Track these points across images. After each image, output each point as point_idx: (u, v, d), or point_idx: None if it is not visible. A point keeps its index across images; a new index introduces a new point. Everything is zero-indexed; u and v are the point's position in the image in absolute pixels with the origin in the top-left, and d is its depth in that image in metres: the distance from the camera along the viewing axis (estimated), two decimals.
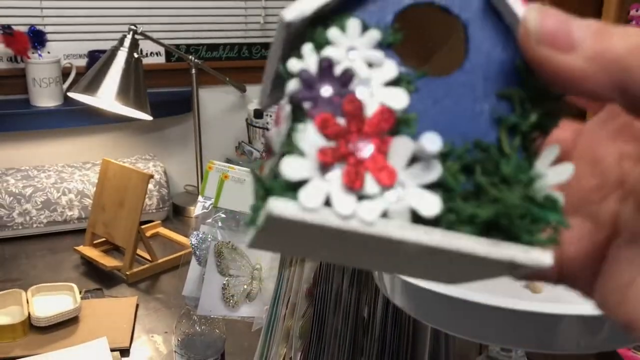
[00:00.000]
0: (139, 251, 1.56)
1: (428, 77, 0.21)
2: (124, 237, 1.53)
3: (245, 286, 0.81)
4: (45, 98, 1.76)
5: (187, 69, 1.82)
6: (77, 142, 1.90)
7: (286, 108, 0.20)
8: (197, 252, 0.81)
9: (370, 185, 0.19)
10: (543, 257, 0.19)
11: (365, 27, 0.20)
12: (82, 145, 1.91)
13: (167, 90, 2.00)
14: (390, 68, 0.20)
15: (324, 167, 0.18)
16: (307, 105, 0.19)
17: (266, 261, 0.81)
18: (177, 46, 1.97)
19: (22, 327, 1.22)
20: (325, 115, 0.19)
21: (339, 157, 0.19)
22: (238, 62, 2.07)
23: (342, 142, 0.19)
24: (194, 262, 0.83)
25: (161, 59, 1.98)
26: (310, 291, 0.72)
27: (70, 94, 1.60)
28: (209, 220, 0.82)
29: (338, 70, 0.20)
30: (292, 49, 0.21)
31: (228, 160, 1.13)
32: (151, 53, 1.95)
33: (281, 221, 0.18)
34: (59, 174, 1.77)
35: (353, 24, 0.20)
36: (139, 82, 1.61)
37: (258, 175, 0.21)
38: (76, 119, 1.81)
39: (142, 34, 1.63)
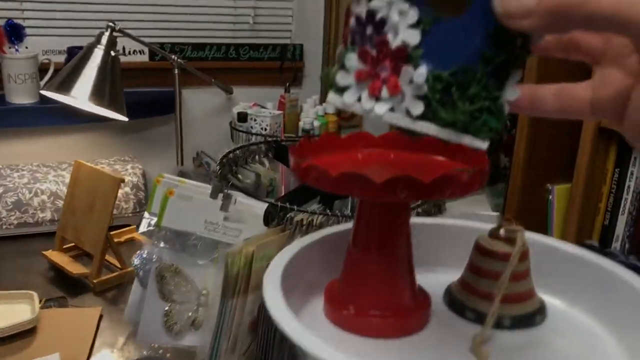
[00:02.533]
0: (109, 258, 1.50)
1: (441, 19, 0.30)
2: (93, 243, 1.46)
3: (190, 313, 0.74)
4: (20, 95, 1.70)
5: (171, 68, 1.75)
6: (53, 141, 1.84)
7: (348, 36, 0.31)
8: (141, 274, 0.75)
9: (384, 93, 0.30)
10: (482, 145, 0.31)
11: None
12: (59, 144, 1.85)
13: (151, 90, 1.93)
14: (413, 15, 0.29)
15: (359, 81, 0.30)
16: (356, 37, 0.30)
17: (214, 286, 0.74)
18: (162, 45, 1.90)
19: None
20: (363, 49, 0.30)
21: (367, 76, 0.30)
22: (225, 63, 2.00)
23: (371, 66, 0.30)
24: (136, 284, 0.76)
25: (145, 58, 1.91)
26: (253, 325, 0.66)
27: (43, 92, 1.53)
28: (155, 240, 0.76)
29: (377, 17, 0.29)
30: None
31: (181, 173, 1.06)
32: (134, 51, 1.88)
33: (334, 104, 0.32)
34: (33, 174, 1.71)
35: None
36: (115, 81, 1.55)
37: (329, 73, 0.33)
38: (53, 117, 1.74)
39: (120, 31, 1.56)
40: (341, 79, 0.32)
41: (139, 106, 1.85)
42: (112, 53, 1.54)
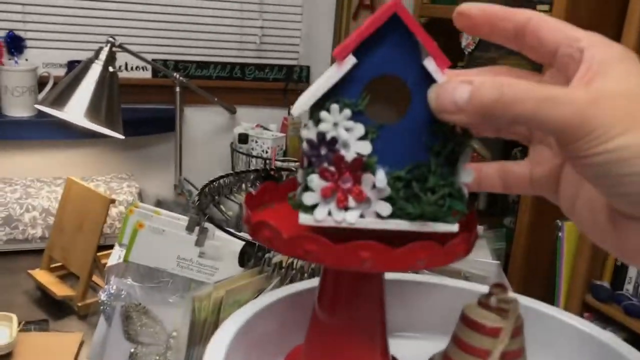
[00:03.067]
0: (97, 280, 1.44)
1: (385, 125, 0.34)
2: (80, 264, 1.41)
3: (157, 357, 0.68)
4: (18, 107, 1.66)
5: (173, 86, 1.71)
6: (49, 156, 1.80)
7: (304, 159, 0.34)
8: (107, 311, 0.69)
9: (351, 202, 0.33)
10: (453, 228, 0.34)
11: (343, 106, 0.33)
12: (55, 159, 1.81)
13: (152, 107, 1.89)
14: (359, 129, 0.33)
15: (325, 197, 0.33)
16: (313, 159, 0.34)
17: (186, 329, 0.68)
18: (166, 62, 1.87)
19: None
20: (323, 168, 0.33)
21: (332, 190, 0.33)
22: (229, 82, 1.96)
23: (333, 182, 0.33)
24: (102, 321, 0.70)
25: (147, 74, 1.87)
26: None
27: (38, 106, 1.49)
28: (124, 274, 0.70)
29: (328, 137, 0.33)
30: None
31: (158, 203, 1.01)
32: (137, 67, 1.85)
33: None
34: (26, 189, 1.66)
35: (334, 107, 0.33)
36: (112, 97, 1.50)
37: (293, 199, 0.35)
38: (50, 131, 1.70)
39: (120, 46, 1.52)
40: (308, 199, 0.33)
41: (139, 123, 1.81)
42: (111, 69, 1.50)
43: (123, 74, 1.80)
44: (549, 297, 1.74)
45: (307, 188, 0.33)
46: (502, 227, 1.90)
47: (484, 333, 0.38)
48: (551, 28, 0.32)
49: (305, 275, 0.65)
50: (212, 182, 0.79)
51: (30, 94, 1.67)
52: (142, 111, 1.86)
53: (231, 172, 0.85)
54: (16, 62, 1.65)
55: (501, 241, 0.81)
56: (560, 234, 1.71)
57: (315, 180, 0.33)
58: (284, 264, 0.66)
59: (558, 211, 0.36)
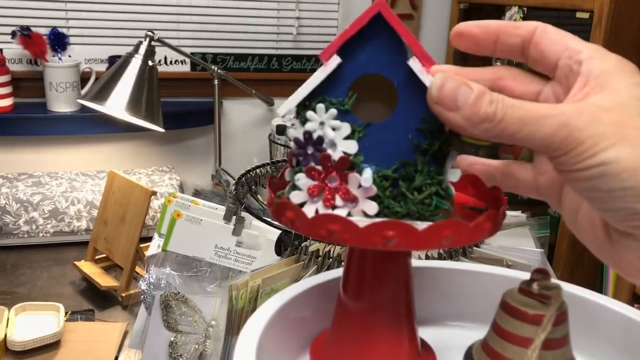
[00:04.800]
0: (140, 271, 1.47)
1: (372, 123, 0.34)
2: (123, 255, 1.44)
3: (197, 345, 0.69)
4: (62, 103, 1.70)
5: (212, 79, 1.72)
6: (93, 150, 1.84)
7: (292, 159, 0.35)
8: (147, 300, 0.70)
9: (338, 201, 0.33)
10: None
11: (329, 105, 0.34)
12: (98, 153, 1.85)
13: (192, 100, 1.91)
14: (346, 128, 0.33)
15: (312, 195, 0.33)
16: (300, 158, 0.34)
17: (224, 318, 0.68)
18: (204, 55, 1.88)
19: None
20: (309, 167, 0.34)
21: (319, 189, 0.33)
22: (266, 74, 1.96)
23: (320, 181, 0.33)
24: (142, 309, 0.71)
25: (186, 68, 1.89)
26: None
27: (80, 101, 1.53)
28: (163, 264, 0.70)
29: (315, 136, 0.33)
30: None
31: (196, 193, 1.01)
32: (176, 61, 1.87)
33: None
34: (71, 182, 1.70)
35: (320, 107, 0.34)
36: (152, 91, 1.52)
37: (280, 198, 0.35)
38: (93, 126, 1.74)
39: (159, 40, 1.54)
40: (295, 197, 0.34)
41: (179, 116, 1.83)
42: (150, 63, 1.52)
43: (162, 68, 1.82)
44: (597, 289, 1.69)
45: (294, 187, 0.34)
46: (546, 215, 1.86)
47: (526, 320, 0.37)
48: (552, 40, 0.32)
49: (343, 263, 0.64)
50: (248, 171, 0.79)
51: (74, 89, 1.70)
52: (181, 104, 1.88)
53: (267, 162, 0.84)
54: (60, 58, 1.69)
55: (545, 229, 0.79)
56: None
57: (302, 179, 0.33)
58: (320, 253, 0.65)
59: None
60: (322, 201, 0.33)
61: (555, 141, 0.28)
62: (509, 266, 0.65)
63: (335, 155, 0.33)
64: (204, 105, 1.87)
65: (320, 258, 0.64)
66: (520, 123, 0.28)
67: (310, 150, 0.33)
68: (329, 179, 0.33)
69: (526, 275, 0.39)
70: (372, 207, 0.33)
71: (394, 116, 0.33)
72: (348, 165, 0.33)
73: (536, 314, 0.36)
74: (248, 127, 2.01)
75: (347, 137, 0.33)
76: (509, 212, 0.84)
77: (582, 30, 1.63)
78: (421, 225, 0.32)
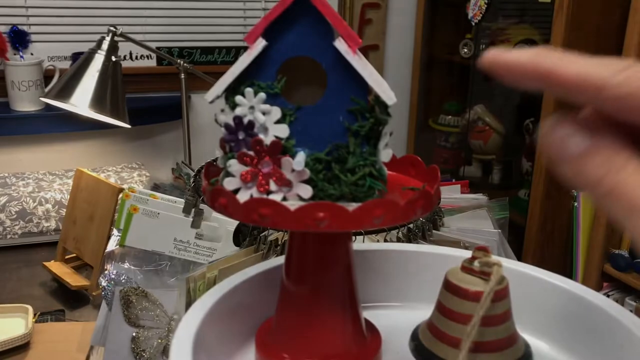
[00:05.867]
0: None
1: (303, 107, 0.33)
2: (93, 254, 1.42)
3: (160, 340, 0.68)
4: (25, 102, 1.67)
5: (179, 73, 1.71)
6: (60, 149, 1.81)
7: (225, 145, 0.34)
8: (108, 296, 0.69)
9: (272, 186, 0.33)
10: None
11: (258, 89, 0.33)
12: (65, 151, 1.82)
13: (159, 95, 1.89)
14: (276, 112, 0.33)
15: (245, 181, 0.33)
16: (232, 144, 0.34)
17: (183, 310, 0.68)
18: (170, 49, 1.86)
19: None
20: (241, 152, 0.33)
21: (253, 175, 0.33)
22: None
23: (253, 166, 0.33)
24: (103, 307, 0.70)
25: (152, 63, 1.87)
26: None
27: (43, 99, 1.50)
28: (127, 259, 0.70)
29: (245, 121, 0.33)
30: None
31: (155, 187, 1.00)
32: (141, 56, 1.84)
33: None
34: (38, 182, 1.68)
35: (249, 91, 0.33)
36: (116, 87, 1.50)
37: (215, 185, 0.35)
38: (59, 124, 1.71)
39: (122, 35, 1.51)
40: (229, 184, 0.33)
41: (147, 112, 1.81)
42: (114, 58, 1.49)
43: (128, 64, 1.80)
44: (567, 269, 1.71)
45: (227, 173, 0.33)
46: (517, 199, 1.88)
47: (467, 298, 0.37)
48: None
49: None
50: (208, 164, 0.78)
51: (37, 87, 1.67)
52: (149, 100, 1.86)
53: None
54: (21, 56, 1.66)
55: (505, 211, 0.80)
56: (576, 204, 1.68)
57: (234, 165, 0.33)
58: (279, 242, 0.65)
59: None
60: (256, 187, 0.33)
61: None
62: (466, 248, 0.65)
63: (267, 139, 0.33)
64: (171, 100, 1.85)
65: (279, 247, 0.64)
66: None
67: (241, 136, 0.33)
68: (261, 164, 0.33)
69: (470, 254, 0.39)
70: (307, 191, 0.33)
71: (324, 98, 0.33)
72: (280, 149, 0.33)
73: (477, 290, 0.36)
74: None
75: (278, 121, 0.33)
76: (469, 195, 0.84)
77: (545, 15, 1.64)
78: (352, 206, 0.31)
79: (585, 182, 0.23)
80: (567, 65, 0.23)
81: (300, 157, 0.33)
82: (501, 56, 0.25)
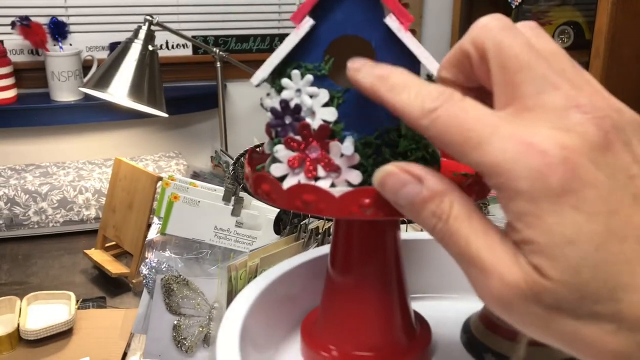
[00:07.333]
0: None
1: (352, 89, 0.31)
2: (132, 242, 1.44)
3: (201, 328, 0.68)
4: (64, 92, 1.70)
5: (214, 61, 1.71)
6: (99, 138, 1.84)
7: (271, 131, 0.33)
8: (149, 284, 0.69)
9: (320, 172, 0.32)
10: None
11: (305, 71, 0.32)
12: (104, 141, 1.84)
13: (195, 84, 1.89)
14: (324, 94, 0.32)
15: (293, 167, 0.32)
16: (278, 129, 0.32)
17: (224, 299, 0.67)
18: (205, 38, 1.86)
19: (9, 340, 1.15)
20: (288, 137, 0.32)
21: (299, 160, 0.32)
22: (269, 55, 1.93)
23: (300, 151, 0.32)
24: (145, 295, 0.71)
25: (188, 52, 1.88)
26: None
27: (82, 89, 1.52)
28: (168, 247, 0.70)
29: (292, 105, 0.32)
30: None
31: (194, 175, 1.00)
32: (177, 45, 1.85)
33: None
34: (78, 172, 1.70)
35: (295, 73, 0.32)
36: (154, 76, 1.51)
37: (261, 171, 0.33)
38: (97, 114, 1.74)
39: (159, 24, 1.52)
40: (276, 170, 0.32)
41: (183, 101, 1.82)
42: (150, 47, 1.50)
43: (164, 53, 1.81)
44: None
45: (274, 160, 0.32)
46: None
47: None
48: None
49: None
50: (247, 151, 0.78)
51: (76, 78, 1.70)
52: (185, 89, 1.87)
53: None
54: (61, 47, 1.68)
55: None
56: None
57: (281, 150, 0.32)
58: (320, 230, 0.64)
59: None
60: (303, 172, 0.32)
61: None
62: None
63: (315, 123, 0.31)
64: (207, 88, 1.86)
65: (320, 235, 0.63)
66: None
67: (288, 120, 0.32)
68: (309, 149, 0.31)
69: None
70: (356, 176, 0.31)
71: None
72: (328, 133, 0.31)
73: None
74: (253, 108, 1.99)
75: (326, 104, 0.31)
76: None
77: None
78: None
79: (422, 223, 0.27)
80: (393, 96, 0.26)
81: (349, 141, 0.31)
82: (356, 74, 0.28)
